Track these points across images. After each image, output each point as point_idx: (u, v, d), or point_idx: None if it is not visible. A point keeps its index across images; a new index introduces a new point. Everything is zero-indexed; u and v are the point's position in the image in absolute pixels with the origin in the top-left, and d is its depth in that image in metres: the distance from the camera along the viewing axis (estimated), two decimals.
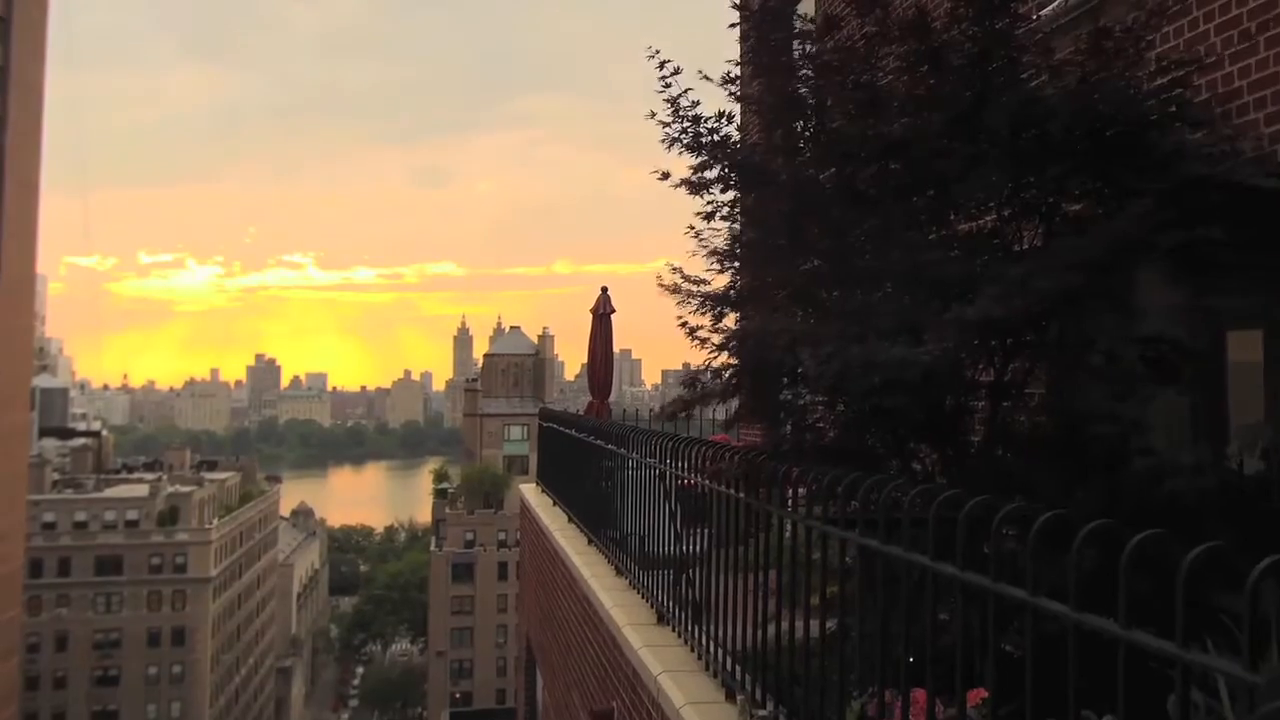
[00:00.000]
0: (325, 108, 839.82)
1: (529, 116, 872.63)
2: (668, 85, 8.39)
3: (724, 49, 9.62)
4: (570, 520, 15.57)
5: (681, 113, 8.37)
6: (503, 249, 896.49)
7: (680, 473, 8.83)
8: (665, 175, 8.70)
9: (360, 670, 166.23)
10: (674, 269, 8.80)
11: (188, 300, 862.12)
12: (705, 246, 8.70)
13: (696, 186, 8.50)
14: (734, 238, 8.70)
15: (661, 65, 8.41)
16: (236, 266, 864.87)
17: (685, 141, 8.37)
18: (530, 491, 20.58)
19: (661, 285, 8.82)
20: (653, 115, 8.49)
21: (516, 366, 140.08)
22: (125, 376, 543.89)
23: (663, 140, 8.46)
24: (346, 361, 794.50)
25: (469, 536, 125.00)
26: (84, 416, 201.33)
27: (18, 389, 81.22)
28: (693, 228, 8.74)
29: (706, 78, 8.48)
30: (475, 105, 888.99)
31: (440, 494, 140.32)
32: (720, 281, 8.72)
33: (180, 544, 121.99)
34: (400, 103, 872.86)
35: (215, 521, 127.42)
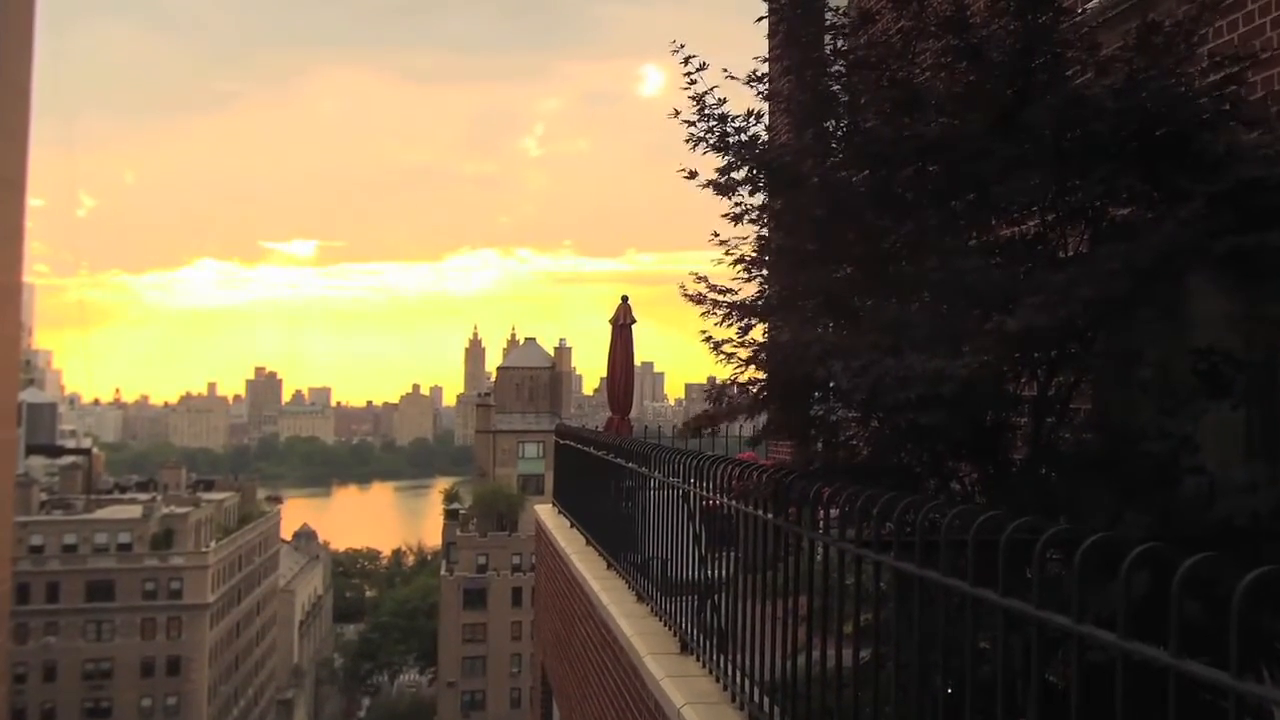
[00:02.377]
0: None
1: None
2: (693, 82, 8.41)
3: (751, 44, 9.66)
4: (588, 543, 15.58)
5: (707, 111, 8.38)
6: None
7: (705, 493, 8.83)
8: (692, 174, 8.69)
9: (366, 702, 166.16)
10: (699, 278, 8.81)
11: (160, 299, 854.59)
12: (732, 254, 8.71)
13: (723, 188, 8.51)
14: (762, 243, 8.71)
15: (686, 61, 8.43)
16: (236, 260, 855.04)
17: (711, 142, 8.38)
18: (546, 513, 20.58)
19: (686, 295, 8.82)
20: (676, 114, 8.51)
21: (532, 380, 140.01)
22: (118, 391, 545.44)
23: (687, 140, 8.47)
24: (351, 375, 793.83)
25: (481, 560, 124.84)
26: (73, 433, 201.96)
27: (4, 403, 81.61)
28: (717, 234, 8.75)
29: (732, 76, 8.50)
30: None
31: (451, 515, 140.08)
32: (748, 290, 8.73)
33: (175, 568, 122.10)
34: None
35: (212, 544, 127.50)
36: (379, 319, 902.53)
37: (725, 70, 8.48)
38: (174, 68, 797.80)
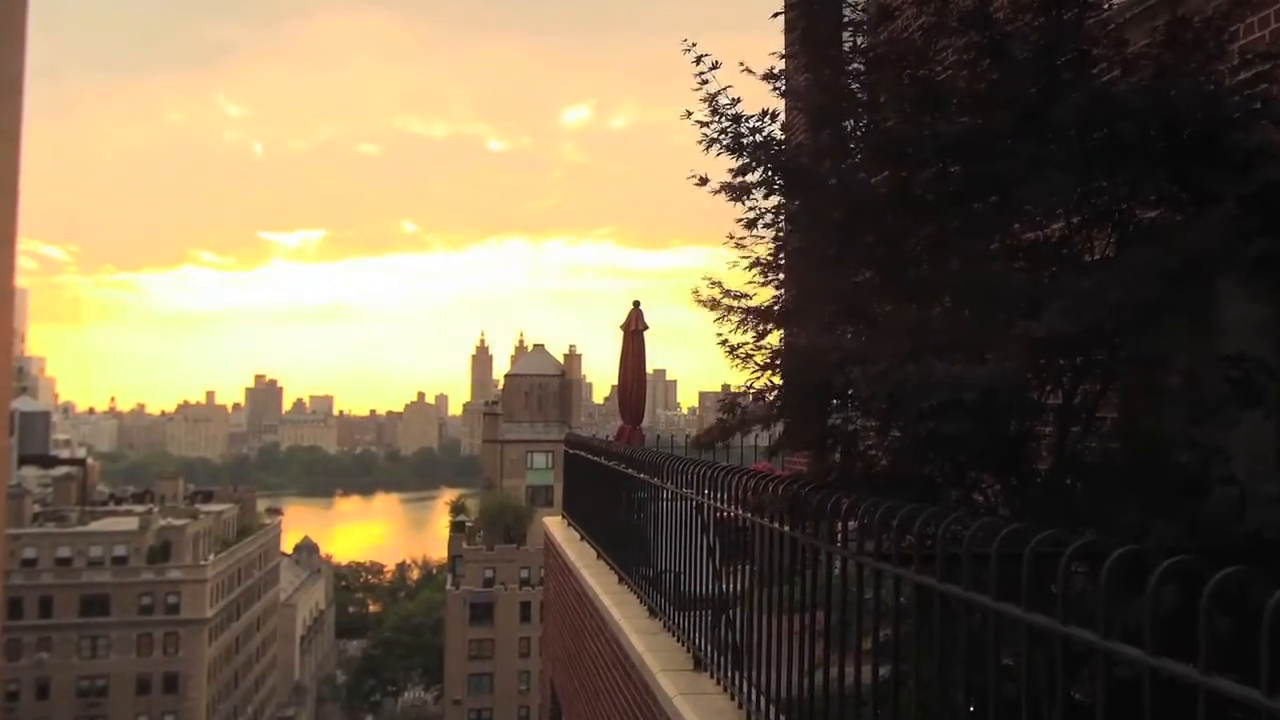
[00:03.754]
0: None
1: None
2: (704, 82, 8.40)
3: (769, 40, 9.66)
4: (599, 556, 15.60)
5: (720, 111, 8.37)
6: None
7: (719, 504, 8.84)
8: (703, 180, 8.66)
9: None
10: (713, 283, 8.80)
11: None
12: (747, 257, 8.70)
13: (737, 191, 8.49)
14: (778, 247, 8.70)
15: (698, 60, 8.42)
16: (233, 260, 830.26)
17: (725, 143, 8.37)
18: (555, 525, 20.61)
19: (699, 300, 8.81)
20: (689, 115, 8.50)
21: (540, 388, 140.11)
22: (113, 399, 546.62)
23: (700, 141, 8.45)
24: (354, 382, 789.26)
25: (488, 574, 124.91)
26: (67, 443, 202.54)
27: None
28: (733, 236, 8.74)
29: (749, 70, 8.48)
30: None
31: (457, 527, 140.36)
32: (764, 295, 8.73)
33: (173, 582, 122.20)
34: None
35: (211, 558, 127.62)
36: (390, 320, 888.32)
37: (742, 64, 8.46)
38: (160, 12, 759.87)
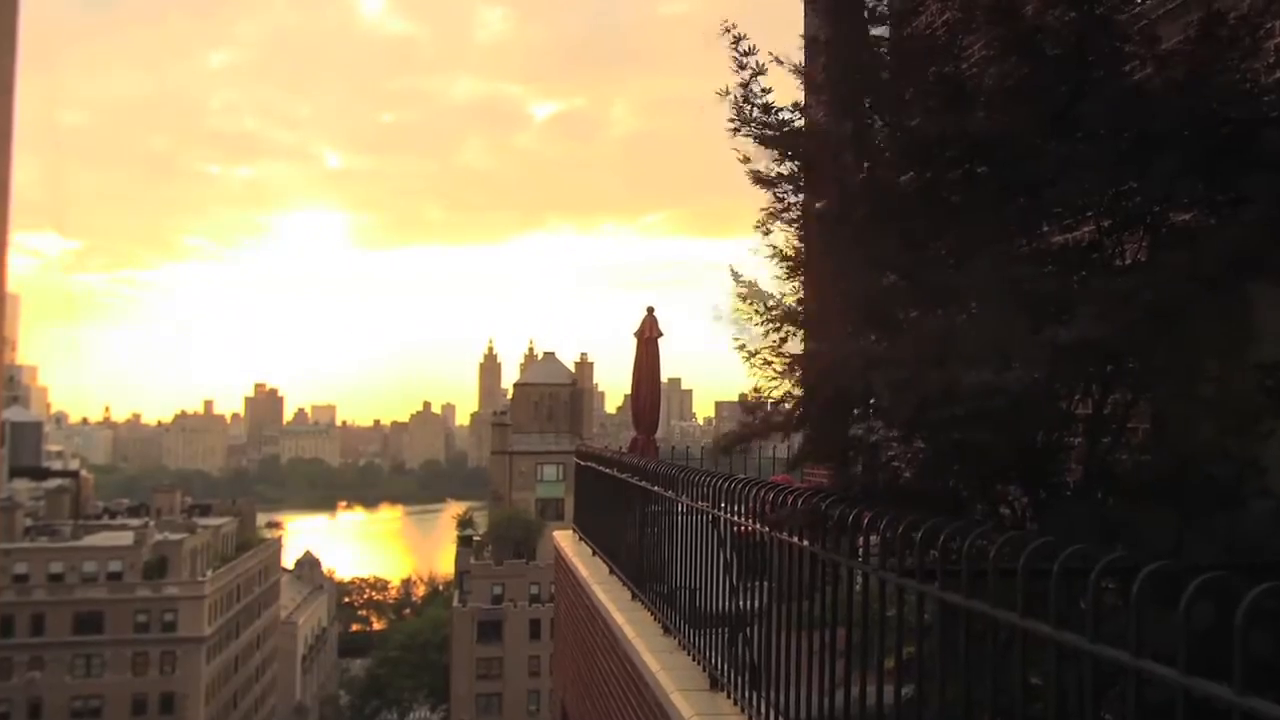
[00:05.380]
0: None
1: None
2: (742, 66, 8.40)
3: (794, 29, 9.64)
4: (611, 572, 15.61)
5: (751, 100, 8.38)
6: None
7: (737, 518, 8.85)
8: (746, 159, 8.64)
9: None
10: (740, 281, 8.81)
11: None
12: (772, 246, 8.73)
13: (766, 181, 8.51)
14: (801, 244, 8.71)
15: (736, 43, 8.41)
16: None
17: (753, 132, 8.38)
18: (566, 539, 20.62)
19: (739, 299, 8.83)
20: (726, 92, 8.46)
21: (551, 398, 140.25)
22: (107, 409, 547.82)
23: (730, 122, 8.46)
24: (358, 391, 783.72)
25: (497, 590, 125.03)
26: (60, 454, 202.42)
27: None
28: (760, 224, 8.74)
29: (778, 60, 8.47)
30: None
31: (464, 542, 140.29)
32: (788, 294, 8.74)
33: (169, 599, 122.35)
34: None
35: (209, 573, 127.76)
36: (396, 324, 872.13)
37: (771, 55, 8.45)
38: None
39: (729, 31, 8.47)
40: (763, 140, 8.36)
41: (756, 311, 8.65)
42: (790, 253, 8.75)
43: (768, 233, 8.77)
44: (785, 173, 8.39)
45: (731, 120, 8.45)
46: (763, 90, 8.36)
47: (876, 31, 8.64)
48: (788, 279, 8.75)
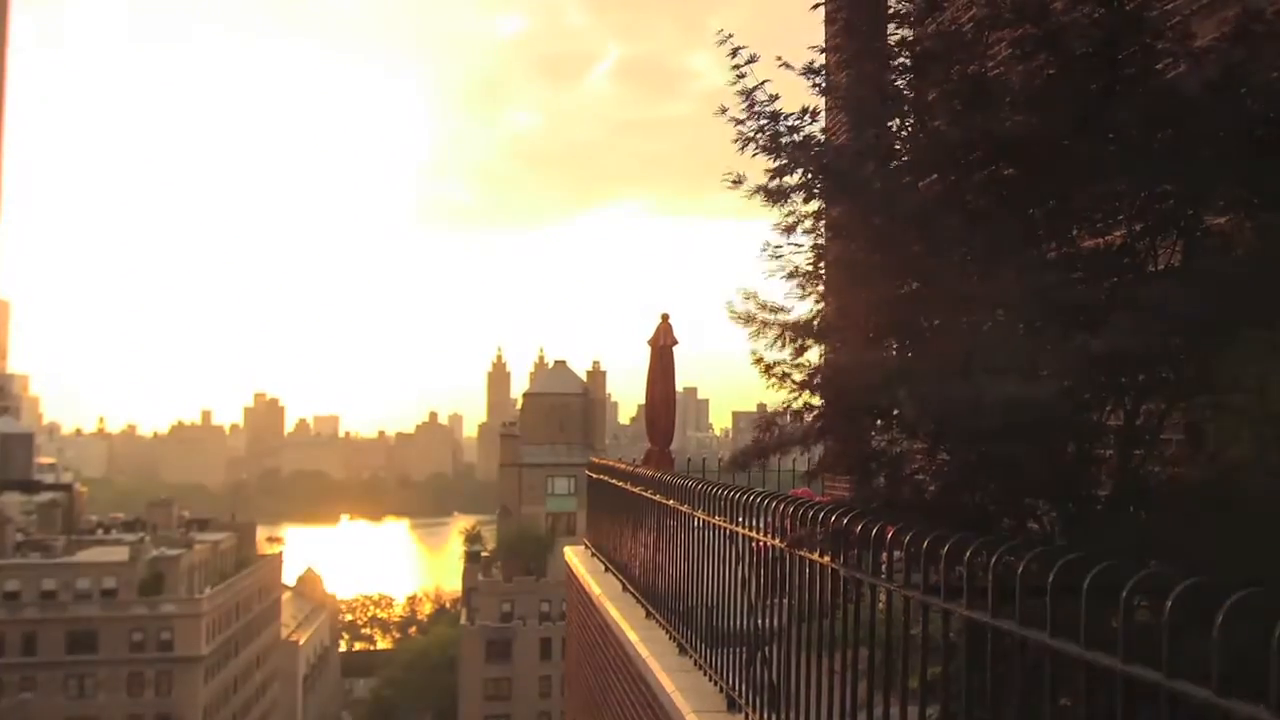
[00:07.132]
0: None
1: None
2: (741, 76, 8.39)
3: (808, 32, 9.63)
4: (625, 588, 15.62)
5: (757, 108, 8.35)
6: None
7: (755, 534, 8.85)
8: (738, 181, 8.63)
9: None
10: (747, 295, 8.79)
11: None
12: (784, 268, 8.70)
13: (774, 195, 8.46)
14: (818, 256, 8.70)
15: (734, 52, 8.40)
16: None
17: (761, 142, 8.34)
18: (578, 555, 20.63)
19: (733, 314, 8.80)
20: (724, 111, 8.48)
21: (562, 408, 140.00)
22: (102, 420, 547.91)
23: (735, 140, 8.43)
24: (361, 400, 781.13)
25: (506, 608, 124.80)
26: (52, 467, 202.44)
27: None
28: (769, 243, 8.73)
29: (787, 65, 8.46)
30: None
31: (472, 558, 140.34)
32: (802, 308, 8.72)
33: (166, 617, 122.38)
34: None
35: (207, 590, 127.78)
36: (400, 328, 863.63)
37: (779, 59, 8.43)
38: None
39: (724, 42, 8.47)
40: (772, 149, 8.32)
41: (764, 324, 8.61)
42: (804, 266, 8.72)
43: (777, 253, 8.75)
44: (795, 183, 8.34)
45: (737, 131, 8.41)
46: (770, 97, 8.33)
47: (897, 34, 8.63)
48: (803, 296, 8.72)
